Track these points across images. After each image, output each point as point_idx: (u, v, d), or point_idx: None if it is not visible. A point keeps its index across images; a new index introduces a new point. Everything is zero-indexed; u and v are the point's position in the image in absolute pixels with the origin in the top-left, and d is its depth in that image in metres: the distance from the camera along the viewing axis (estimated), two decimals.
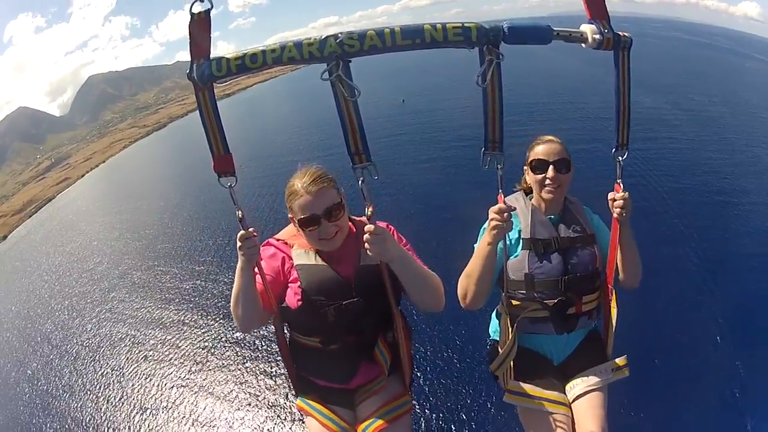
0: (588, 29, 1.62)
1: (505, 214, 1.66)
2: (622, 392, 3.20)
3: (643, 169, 7.26)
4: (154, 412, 4.07)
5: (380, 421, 1.81)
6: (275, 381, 2.37)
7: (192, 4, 1.49)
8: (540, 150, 1.95)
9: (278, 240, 1.90)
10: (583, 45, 1.63)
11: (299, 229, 1.79)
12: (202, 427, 3.76)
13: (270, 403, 3.40)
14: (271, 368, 3.39)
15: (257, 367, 3.75)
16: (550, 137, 2.00)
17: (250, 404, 3.72)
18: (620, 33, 1.65)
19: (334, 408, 1.88)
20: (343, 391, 1.93)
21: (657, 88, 15.03)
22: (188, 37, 1.53)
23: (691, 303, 4.30)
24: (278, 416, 2.91)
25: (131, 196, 19.34)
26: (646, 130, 9.02)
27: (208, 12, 1.52)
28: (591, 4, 1.63)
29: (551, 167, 1.92)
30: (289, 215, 1.82)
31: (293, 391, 1.95)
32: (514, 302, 1.95)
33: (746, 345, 3.88)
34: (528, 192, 2.10)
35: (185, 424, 3.86)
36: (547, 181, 1.94)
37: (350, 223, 1.89)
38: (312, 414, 1.86)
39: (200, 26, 1.53)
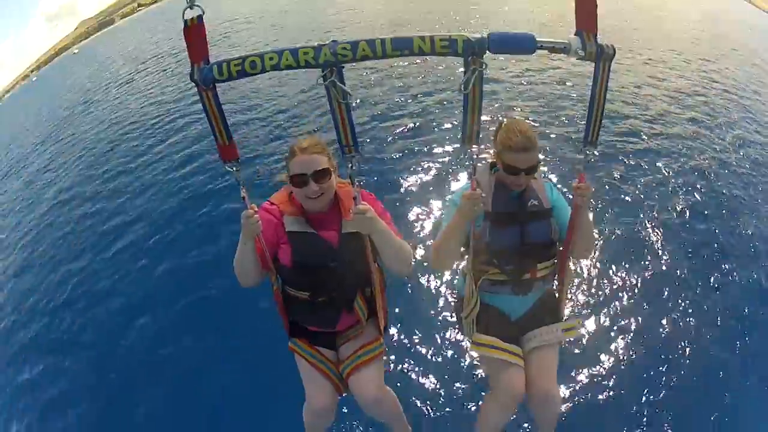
0: (572, 41, 1.69)
1: (476, 201, 1.88)
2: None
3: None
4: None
5: (358, 361, 2.16)
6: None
7: (184, 12, 1.58)
8: (513, 158, 2.04)
9: (272, 205, 2.12)
10: (565, 56, 1.71)
11: (291, 186, 2.03)
12: (204, 365, 4.14)
13: (264, 345, 3.75)
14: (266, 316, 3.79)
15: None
16: (524, 141, 2.02)
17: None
18: (604, 45, 1.71)
19: (320, 349, 2.23)
20: (327, 334, 2.27)
21: None
22: (185, 43, 1.63)
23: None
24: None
25: None
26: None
27: (200, 17, 1.62)
28: (581, 15, 1.70)
29: (523, 173, 2.07)
30: (285, 174, 2.06)
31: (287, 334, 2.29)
32: (477, 266, 2.17)
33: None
34: (494, 166, 2.24)
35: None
36: (518, 182, 2.11)
37: (337, 190, 2.09)
38: (301, 354, 2.21)
39: (195, 32, 1.64)
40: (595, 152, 1.94)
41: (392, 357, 2.34)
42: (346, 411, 3.05)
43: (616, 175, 6.22)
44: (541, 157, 2.35)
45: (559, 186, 2.42)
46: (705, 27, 19.47)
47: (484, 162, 2.26)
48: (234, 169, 1.84)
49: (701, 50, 14.72)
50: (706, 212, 5.60)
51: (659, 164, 6.60)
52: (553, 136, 7.20)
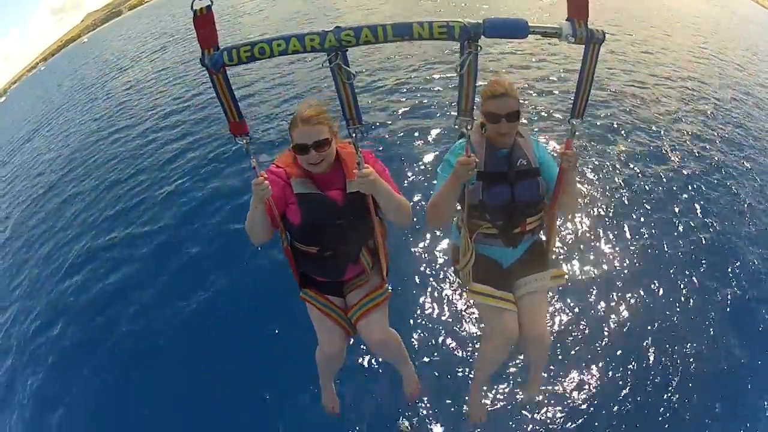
0: (563, 26, 1.78)
1: (470, 166, 2.00)
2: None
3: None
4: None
5: (365, 308, 2.33)
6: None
7: (193, 2, 1.66)
8: (493, 104, 2.19)
9: (278, 167, 2.23)
10: (557, 40, 1.80)
11: (293, 152, 2.15)
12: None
13: (277, 295, 4.02)
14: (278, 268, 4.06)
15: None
16: (501, 89, 2.18)
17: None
18: (594, 30, 1.81)
19: (329, 297, 2.40)
20: (335, 283, 2.43)
21: None
22: (195, 31, 1.72)
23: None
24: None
25: None
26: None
27: (209, 7, 1.71)
28: (573, 4, 1.79)
29: (503, 120, 2.19)
30: (290, 138, 2.17)
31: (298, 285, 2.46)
32: (471, 221, 2.32)
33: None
34: (484, 125, 2.36)
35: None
36: (501, 130, 2.22)
37: (339, 151, 2.21)
38: (312, 303, 2.37)
39: (204, 21, 1.72)
40: (580, 123, 2.06)
41: (396, 302, 2.55)
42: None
43: (611, 146, 6.61)
44: (534, 126, 2.50)
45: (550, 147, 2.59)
46: (713, 26, 19.34)
47: (475, 121, 2.37)
48: (244, 142, 1.96)
49: (713, 45, 14.76)
50: (698, 180, 5.94)
51: (656, 139, 6.95)
52: (545, 108, 7.66)
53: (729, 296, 4.31)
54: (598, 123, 7.25)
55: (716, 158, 6.53)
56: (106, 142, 10.40)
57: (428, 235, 4.75)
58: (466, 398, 2.88)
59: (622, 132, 7.06)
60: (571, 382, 3.57)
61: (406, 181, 5.61)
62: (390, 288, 2.46)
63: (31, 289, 5.96)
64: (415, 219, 4.62)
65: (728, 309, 4.20)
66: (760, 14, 30.55)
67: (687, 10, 22.25)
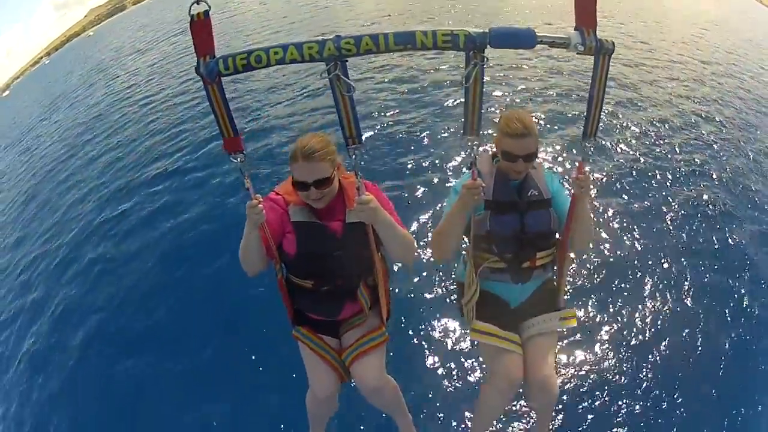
0: (572, 36, 1.71)
1: (476, 191, 1.92)
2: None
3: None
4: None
5: (360, 350, 2.20)
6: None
7: (190, 6, 1.61)
8: (510, 144, 2.09)
9: (277, 195, 2.15)
10: (566, 50, 1.73)
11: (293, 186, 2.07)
12: (208, 353, 4.20)
13: (268, 333, 3.89)
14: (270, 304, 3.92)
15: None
16: (522, 128, 2.07)
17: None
18: (604, 40, 1.74)
19: (323, 337, 2.27)
20: (330, 323, 2.30)
21: None
22: (191, 37, 1.67)
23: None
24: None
25: None
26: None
27: (207, 13, 1.64)
28: (580, 13, 1.73)
29: (521, 160, 2.10)
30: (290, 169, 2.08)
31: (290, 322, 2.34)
32: (477, 253, 2.22)
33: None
34: (495, 156, 2.27)
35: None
36: (517, 169, 2.14)
37: (341, 181, 2.13)
38: (305, 342, 2.25)
39: (201, 26, 1.66)
40: (591, 145, 1.96)
41: (393, 343, 2.38)
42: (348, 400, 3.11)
43: (620, 166, 6.23)
44: (542, 150, 2.40)
45: (560, 175, 2.46)
46: (719, 28, 19.12)
47: (485, 151, 2.30)
48: (238, 160, 1.86)
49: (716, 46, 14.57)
50: (710, 206, 5.57)
51: (666, 158, 6.59)
52: (554, 127, 7.21)
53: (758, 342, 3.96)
54: (614, 144, 6.79)
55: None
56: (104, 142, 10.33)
57: (430, 268, 4.49)
58: None
59: (640, 155, 6.58)
60: None
61: (407, 214, 5.16)
62: (389, 330, 2.33)
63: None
64: (419, 255, 4.43)
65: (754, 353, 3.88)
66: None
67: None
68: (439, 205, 5.26)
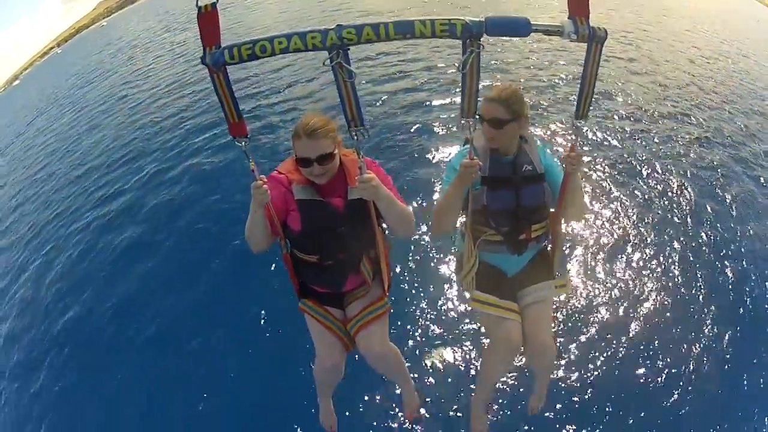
0: (565, 24, 1.77)
1: (473, 169, 2.00)
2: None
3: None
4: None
5: (364, 320, 2.29)
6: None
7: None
8: (483, 106, 2.18)
9: (280, 173, 2.21)
10: (560, 38, 1.79)
11: (295, 163, 2.13)
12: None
13: (275, 306, 4.04)
14: (277, 278, 4.01)
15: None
16: (495, 93, 2.17)
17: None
18: (597, 27, 1.80)
19: (329, 308, 2.36)
20: (335, 295, 2.39)
21: None
22: (198, 28, 1.71)
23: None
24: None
25: None
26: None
27: (214, 5, 1.70)
28: (573, 2, 1.79)
29: (486, 123, 2.19)
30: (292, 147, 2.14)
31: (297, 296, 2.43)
32: (475, 227, 2.30)
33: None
34: None
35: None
36: (485, 133, 2.23)
37: (342, 158, 2.19)
38: (310, 314, 2.34)
39: (208, 18, 1.71)
40: (582, 125, 2.06)
41: (395, 315, 2.50)
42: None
43: (612, 148, 6.51)
44: (539, 129, 2.43)
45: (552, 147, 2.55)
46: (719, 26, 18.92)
47: (479, 127, 2.36)
48: (243, 143, 1.93)
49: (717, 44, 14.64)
50: (700, 182, 5.86)
51: (660, 138, 6.91)
52: (550, 109, 7.55)
53: (747, 307, 4.18)
54: (607, 125, 7.09)
55: (736, 167, 6.29)
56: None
57: (432, 246, 4.66)
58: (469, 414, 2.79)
59: (630, 137, 6.88)
60: (577, 394, 3.48)
61: (406, 189, 5.41)
62: (391, 300, 2.42)
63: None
64: (418, 229, 4.64)
65: (744, 322, 4.06)
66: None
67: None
68: (436, 181, 5.52)
